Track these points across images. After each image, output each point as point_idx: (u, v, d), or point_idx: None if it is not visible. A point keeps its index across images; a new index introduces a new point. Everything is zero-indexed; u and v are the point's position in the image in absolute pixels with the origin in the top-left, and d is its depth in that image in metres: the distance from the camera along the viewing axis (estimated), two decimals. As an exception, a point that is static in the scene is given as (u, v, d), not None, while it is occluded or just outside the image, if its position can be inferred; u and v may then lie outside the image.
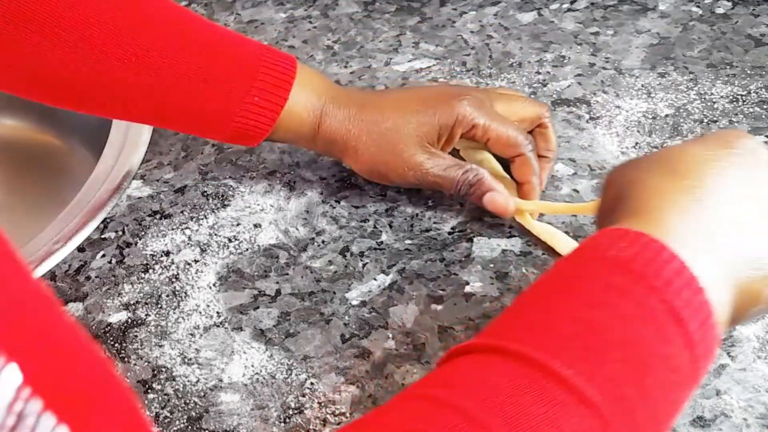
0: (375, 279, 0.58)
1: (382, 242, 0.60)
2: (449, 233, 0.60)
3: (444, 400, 0.33)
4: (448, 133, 0.58)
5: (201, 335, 0.55)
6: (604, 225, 0.41)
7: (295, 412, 0.50)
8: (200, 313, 0.56)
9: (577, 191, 0.62)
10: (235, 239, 0.61)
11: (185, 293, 0.58)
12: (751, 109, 0.68)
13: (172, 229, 0.62)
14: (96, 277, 0.59)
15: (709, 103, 0.69)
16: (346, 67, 0.77)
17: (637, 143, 0.66)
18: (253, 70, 0.56)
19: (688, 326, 0.35)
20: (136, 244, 0.62)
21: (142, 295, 0.58)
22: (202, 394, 0.52)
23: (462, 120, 0.57)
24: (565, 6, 0.82)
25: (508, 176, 0.61)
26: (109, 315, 0.57)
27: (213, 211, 0.64)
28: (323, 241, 0.61)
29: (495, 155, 0.62)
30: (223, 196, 0.65)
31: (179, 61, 0.55)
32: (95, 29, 0.53)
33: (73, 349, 0.25)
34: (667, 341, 0.35)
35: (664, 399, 0.35)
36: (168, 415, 0.51)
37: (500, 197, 0.57)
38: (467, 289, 0.56)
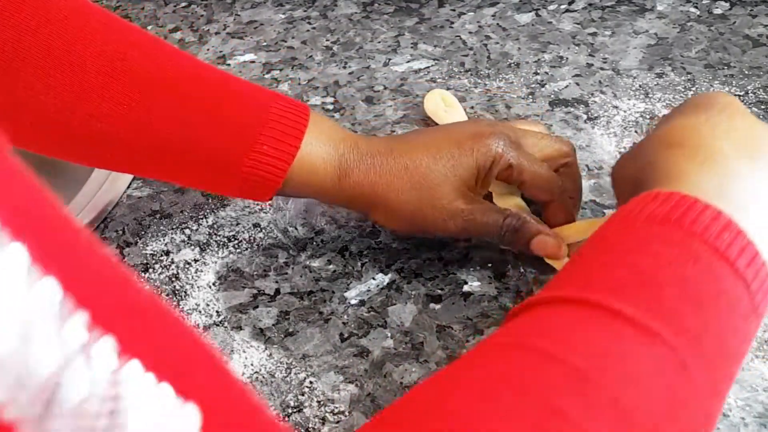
0: (374, 278, 0.58)
1: (380, 242, 0.60)
2: (448, 233, 0.61)
3: (535, 347, 0.34)
4: (485, 174, 0.54)
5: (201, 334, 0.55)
6: None
7: (295, 410, 0.50)
8: (200, 312, 0.57)
9: (575, 191, 0.62)
10: (235, 239, 0.61)
11: (185, 292, 0.58)
12: (749, 110, 0.68)
13: (172, 229, 0.63)
14: (96, 276, 0.60)
15: (706, 104, 0.69)
16: (344, 67, 0.77)
17: (635, 143, 0.66)
18: (262, 118, 0.52)
19: (736, 264, 0.36)
20: (136, 243, 0.62)
21: (141, 294, 0.58)
22: (202, 392, 0.52)
23: (499, 160, 0.53)
24: (563, 7, 0.82)
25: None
26: (109, 314, 0.57)
27: (212, 211, 0.64)
28: (322, 241, 0.61)
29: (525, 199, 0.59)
30: (222, 196, 0.65)
31: (184, 109, 0.51)
32: (91, 76, 0.49)
33: (168, 322, 0.26)
34: (718, 279, 0.36)
35: (728, 329, 0.36)
36: (168, 413, 0.51)
37: (551, 240, 0.54)
38: (465, 288, 0.56)
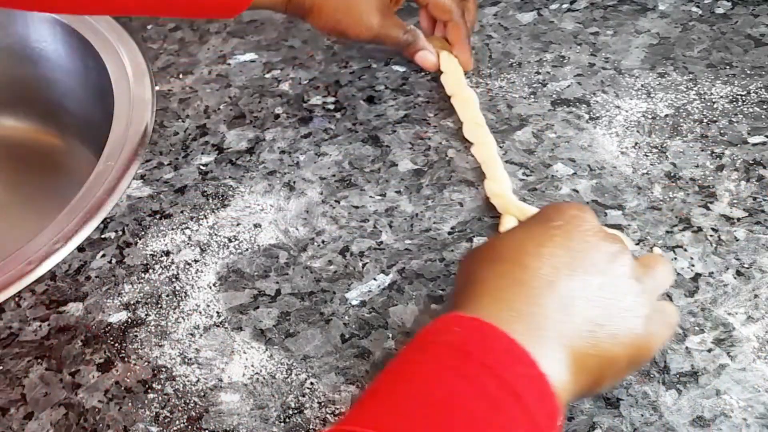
0: (375, 279, 0.58)
1: (381, 242, 0.60)
2: (449, 233, 0.60)
3: None
4: None
5: (201, 335, 0.55)
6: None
7: (295, 411, 0.50)
8: (200, 313, 0.56)
9: (577, 191, 0.62)
10: (235, 239, 0.61)
11: (185, 293, 0.58)
12: (750, 109, 0.68)
13: (172, 229, 0.63)
14: (96, 277, 0.60)
15: (708, 103, 0.69)
16: (345, 67, 0.77)
17: (636, 143, 0.66)
18: None
19: (524, 398, 0.37)
20: (136, 244, 0.62)
21: (142, 295, 0.58)
22: (202, 393, 0.52)
23: None
24: (565, 6, 0.82)
25: (521, 202, 0.61)
26: (109, 315, 0.57)
27: (213, 211, 0.64)
28: (323, 241, 0.61)
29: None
30: (223, 196, 0.65)
31: None
32: None
33: None
34: (505, 414, 0.37)
35: None
36: (168, 414, 0.51)
37: (430, 56, 0.72)
38: (467, 289, 0.56)
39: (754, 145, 0.65)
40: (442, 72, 0.73)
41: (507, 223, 0.59)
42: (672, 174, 0.63)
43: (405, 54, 0.74)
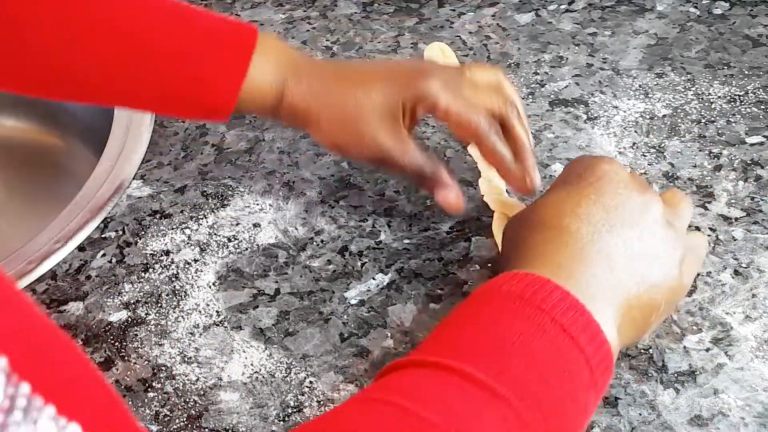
0: (374, 278, 0.58)
1: (380, 242, 0.60)
2: (447, 233, 0.61)
3: (395, 403, 0.38)
4: (410, 112, 0.55)
5: (201, 334, 0.55)
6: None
7: (294, 410, 0.50)
8: (200, 312, 0.57)
9: (575, 191, 0.62)
10: (235, 239, 0.61)
11: (185, 292, 0.58)
12: (748, 110, 0.68)
13: (172, 229, 0.63)
14: (96, 276, 0.60)
15: (706, 104, 0.69)
16: (345, 67, 0.77)
17: (634, 143, 0.66)
18: (211, 47, 0.54)
19: (578, 339, 0.41)
20: (136, 243, 0.62)
21: (142, 294, 0.58)
22: (202, 392, 0.52)
23: (424, 99, 0.54)
24: (563, 7, 0.82)
25: (513, 199, 0.61)
26: (110, 314, 0.57)
27: (212, 211, 0.64)
28: (322, 241, 0.61)
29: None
30: (222, 195, 0.65)
31: (140, 57, 0.54)
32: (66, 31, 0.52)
33: (55, 342, 0.27)
34: (561, 352, 0.41)
35: (568, 398, 0.40)
36: (168, 413, 0.51)
37: (452, 195, 0.57)
38: (465, 288, 0.57)
39: (752, 145, 0.65)
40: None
41: (500, 223, 0.59)
42: (670, 174, 0.63)
43: (421, 188, 0.59)
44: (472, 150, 0.64)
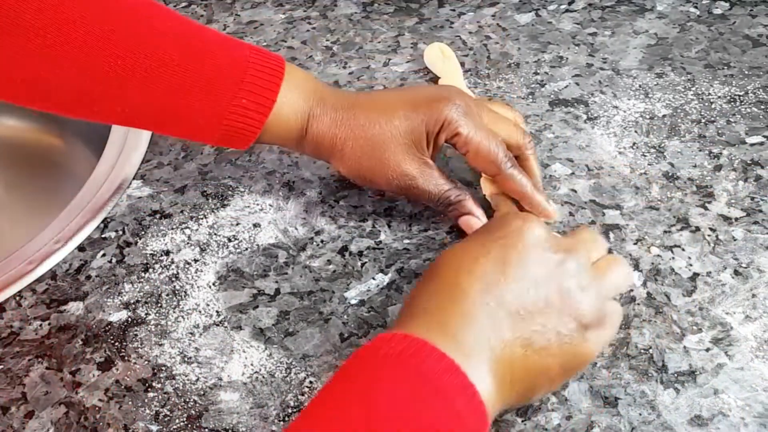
0: (374, 278, 0.58)
1: (380, 242, 0.60)
2: (447, 233, 0.61)
3: None
4: (434, 137, 0.56)
5: (201, 334, 0.55)
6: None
7: (295, 410, 0.50)
8: (200, 312, 0.57)
9: (575, 191, 0.63)
10: (235, 239, 0.61)
11: (185, 292, 0.58)
12: (748, 110, 0.68)
13: (172, 229, 0.63)
14: (96, 276, 0.60)
15: (706, 104, 0.69)
16: (344, 67, 0.77)
17: (634, 143, 0.66)
18: (240, 71, 0.54)
19: (453, 402, 0.39)
20: (136, 243, 0.62)
21: (142, 294, 0.58)
22: (202, 392, 0.52)
23: (447, 126, 0.55)
24: (563, 7, 0.82)
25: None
26: (110, 314, 0.57)
27: (212, 211, 0.64)
28: (322, 241, 0.61)
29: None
30: (222, 195, 0.65)
31: (166, 64, 0.52)
32: (76, 30, 0.50)
33: None
34: (437, 416, 0.39)
35: None
36: (168, 413, 0.51)
37: (477, 222, 0.58)
38: (466, 288, 0.56)
39: (752, 145, 0.65)
40: (439, 78, 0.73)
41: (488, 183, 0.61)
42: (670, 174, 0.63)
43: (445, 213, 0.59)
44: (484, 184, 0.62)
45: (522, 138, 0.58)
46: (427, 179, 0.56)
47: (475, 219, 0.58)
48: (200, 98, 0.53)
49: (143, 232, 0.63)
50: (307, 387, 0.52)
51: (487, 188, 0.61)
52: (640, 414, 0.49)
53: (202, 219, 0.63)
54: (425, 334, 0.42)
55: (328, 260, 0.59)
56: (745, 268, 0.56)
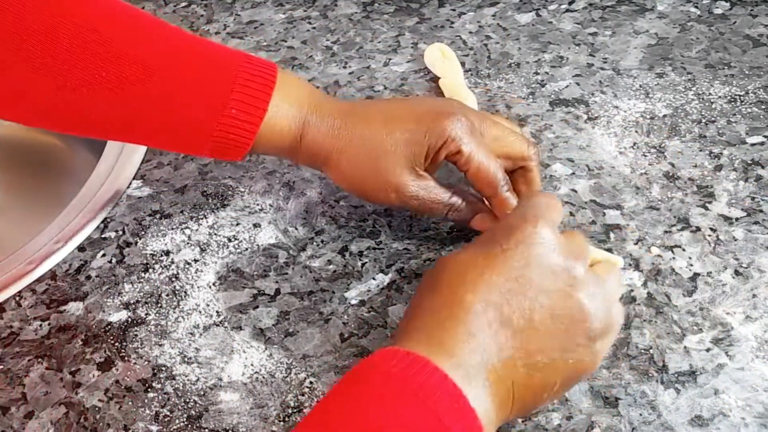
0: (374, 278, 0.58)
1: (381, 242, 0.60)
2: (447, 233, 0.61)
3: None
4: (435, 153, 0.54)
5: (201, 334, 0.55)
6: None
7: (295, 410, 0.50)
8: (200, 312, 0.57)
9: (575, 191, 0.62)
10: (235, 239, 0.61)
11: (185, 293, 0.58)
12: (749, 110, 0.68)
13: (172, 229, 0.63)
14: (96, 276, 0.60)
15: (707, 104, 0.69)
16: (345, 67, 0.77)
17: (635, 143, 0.66)
18: (230, 81, 0.52)
19: (451, 430, 0.38)
20: (136, 243, 0.62)
21: (142, 294, 0.58)
22: (202, 392, 0.52)
23: (450, 143, 0.53)
24: (564, 7, 0.82)
25: None
26: (110, 314, 0.57)
27: (212, 211, 0.64)
28: (322, 241, 0.61)
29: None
30: (222, 195, 0.65)
31: (155, 73, 0.51)
32: (62, 41, 0.49)
33: None
34: None
35: None
36: (168, 413, 0.51)
37: (490, 219, 0.56)
38: (466, 288, 0.56)
39: (753, 145, 0.65)
40: (440, 78, 0.73)
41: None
42: (670, 174, 0.63)
43: (456, 221, 0.57)
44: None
45: (528, 150, 0.57)
46: (429, 190, 0.55)
47: (488, 216, 0.56)
48: (190, 109, 0.52)
49: (143, 232, 0.63)
50: (307, 387, 0.51)
51: None
52: (641, 414, 0.49)
53: (202, 219, 0.63)
54: (425, 351, 0.40)
55: (329, 260, 0.59)
56: (746, 268, 0.56)
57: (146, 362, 0.54)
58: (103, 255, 0.61)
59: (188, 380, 0.52)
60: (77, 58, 0.49)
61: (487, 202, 0.57)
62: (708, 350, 0.52)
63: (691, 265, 0.57)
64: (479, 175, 0.55)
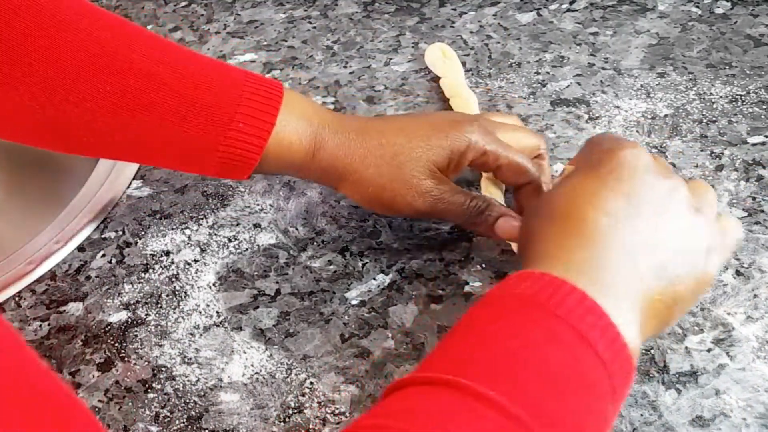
0: (374, 279, 0.58)
1: (381, 242, 0.60)
2: (448, 233, 0.60)
3: (394, 428, 0.35)
4: (458, 159, 0.55)
5: (201, 335, 0.55)
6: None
7: (295, 411, 0.50)
8: (200, 312, 0.56)
9: (577, 191, 0.62)
10: (235, 239, 0.61)
11: (185, 293, 0.58)
12: (750, 109, 0.68)
13: (172, 229, 0.63)
14: (96, 276, 0.60)
15: (708, 103, 0.69)
16: (345, 67, 0.77)
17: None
18: (236, 97, 0.52)
19: (596, 347, 0.38)
20: (136, 243, 0.62)
21: (142, 294, 0.58)
22: (202, 393, 0.52)
23: (474, 146, 0.54)
24: (564, 6, 0.82)
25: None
26: (110, 314, 0.57)
27: (213, 211, 0.64)
28: (323, 241, 0.61)
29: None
30: (222, 196, 0.65)
31: (158, 89, 0.50)
32: (67, 60, 0.49)
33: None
34: (578, 361, 0.38)
35: (585, 411, 0.37)
36: (168, 414, 0.51)
37: (515, 222, 0.55)
38: (467, 288, 0.56)
39: (754, 145, 0.65)
40: (440, 78, 0.73)
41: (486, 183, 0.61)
42: (671, 174, 0.63)
43: (478, 228, 0.56)
44: (484, 183, 0.63)
45: (539, 140, 0.59)
46: (453, 193, 0.55)
47: (513, 219, 0.55)
48: (195, 124, 0.51)
49: (143, 233, 0.63)
50: (307, 388, 0.51)
51: (487, 188, 0.61)
52: (642, 414, 0.48)
53: (202, 219, 0.63)
54: (563, 274, 0.40)
55: (329, 260, 0.59)
56: (747, 268, 0.56)
57: (146, 363, 0.54)
58: (103, 255, 0.61)
59: (188, 381, 0.52)
60: (81, 71, 0.49)
61: (503, 204, 0.58)
62: (709, 351, 0.51)
63: (692, 265, 0.57)
64: (511, 167, 0.55)
